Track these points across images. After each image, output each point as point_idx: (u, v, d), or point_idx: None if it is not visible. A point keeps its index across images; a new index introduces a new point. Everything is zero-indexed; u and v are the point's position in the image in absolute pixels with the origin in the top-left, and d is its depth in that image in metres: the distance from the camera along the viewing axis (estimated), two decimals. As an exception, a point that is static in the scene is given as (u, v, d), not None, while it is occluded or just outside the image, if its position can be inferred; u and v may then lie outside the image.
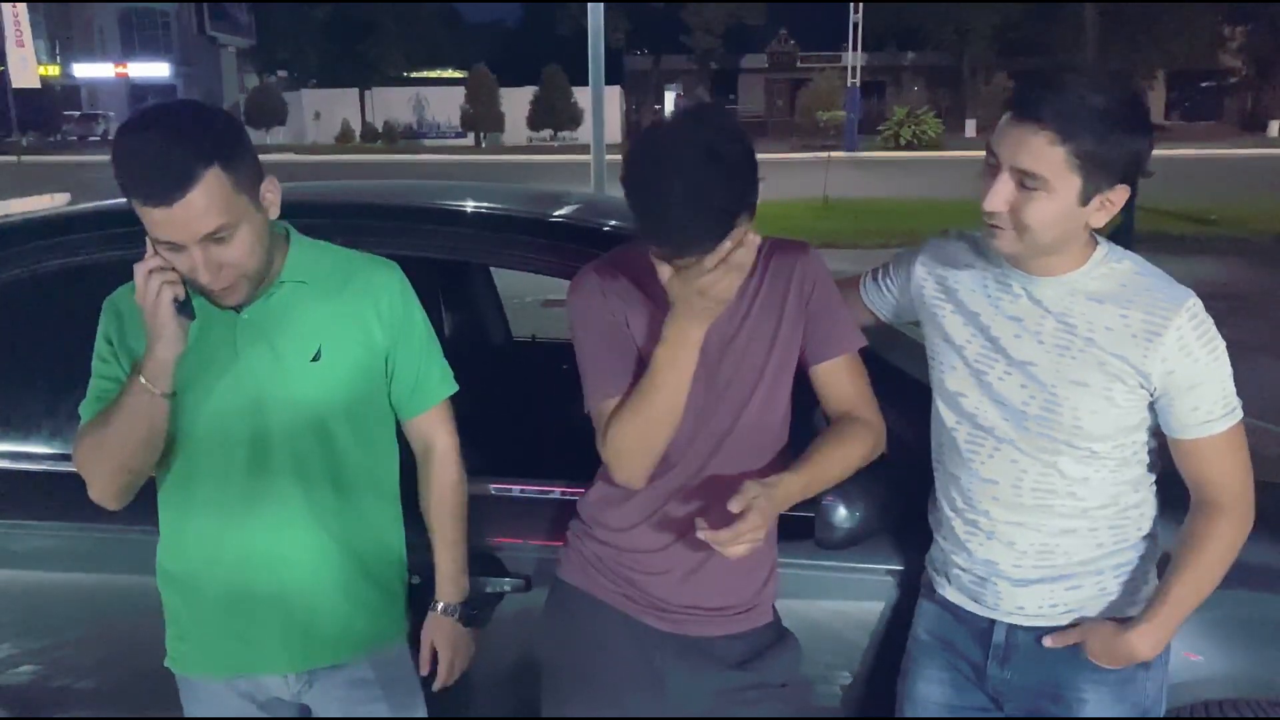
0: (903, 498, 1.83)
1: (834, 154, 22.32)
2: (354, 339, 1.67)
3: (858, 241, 12.65)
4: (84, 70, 51.26)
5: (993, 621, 1.72)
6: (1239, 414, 1.61)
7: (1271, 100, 40.73)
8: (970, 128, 40.53)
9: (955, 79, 47.63)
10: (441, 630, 1.77)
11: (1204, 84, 47.71)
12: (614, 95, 39.89)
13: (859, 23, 31.98)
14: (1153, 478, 1.71)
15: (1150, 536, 1.72)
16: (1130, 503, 1.68)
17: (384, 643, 1.78)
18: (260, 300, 1.62)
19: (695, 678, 1.70)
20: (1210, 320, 1.58)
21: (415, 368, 1.74)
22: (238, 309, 1.61)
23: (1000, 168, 1.54)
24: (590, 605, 1.73)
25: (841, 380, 1.70)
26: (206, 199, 1.44)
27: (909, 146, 32.15)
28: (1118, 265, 1.62)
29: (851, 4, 31.90)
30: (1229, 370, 1.60)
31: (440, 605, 1.78)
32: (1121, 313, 1.58)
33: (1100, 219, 1.56)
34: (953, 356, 1.72)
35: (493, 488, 1.98)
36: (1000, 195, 1.54)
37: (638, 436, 1.59)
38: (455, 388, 1.80)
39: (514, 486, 1.98)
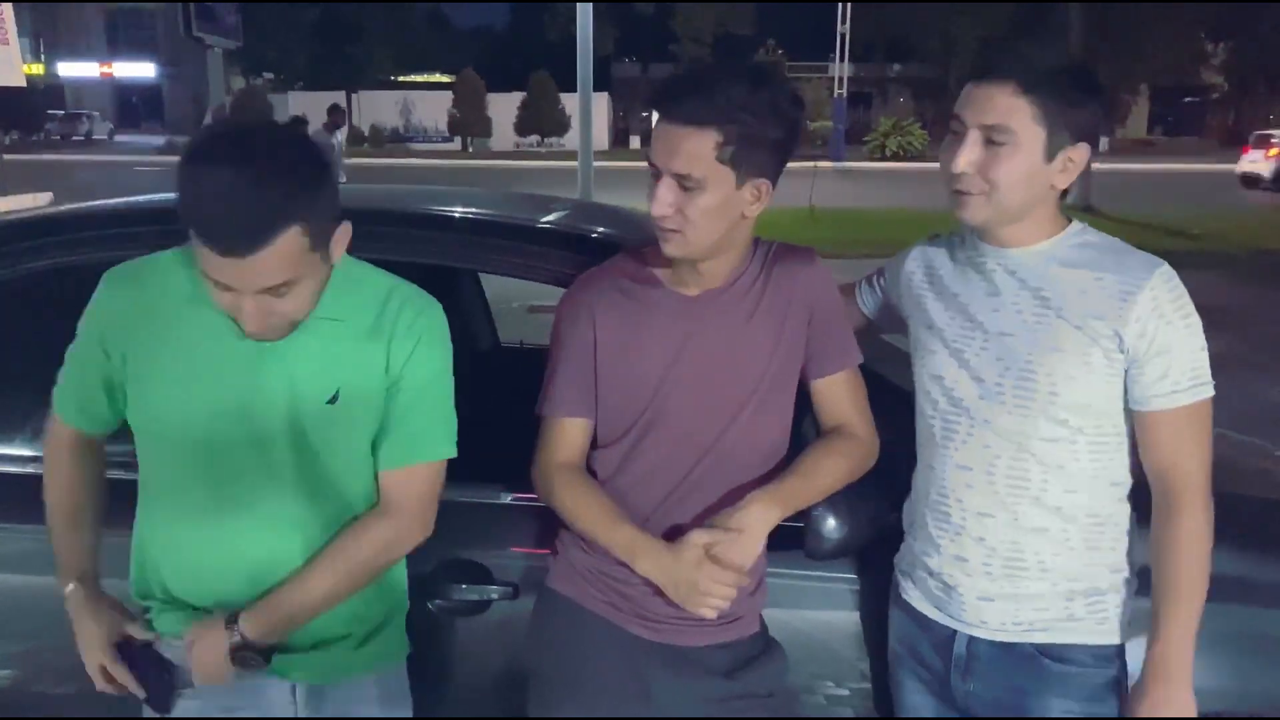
0: (893, 510, 1.84)
1: (820, 164, 22.35)
2: (372, 380, 1.55)
3: (843, 251, 12.67)
4: (68, 69, 50.99)
5: (954, 631, 1.69)
6: (1209, 391, 1.57)
7: (1252, 116, 41.10)
8: (955, 139, 40.73)
9: (941, 90, 47.86)
10: (214, 639, 1.52)
11: (1187, 99, 48.13)
12: (602, 102, 39.86)
13: (846, 33, 32.14)
14: (1128, 492, 1.66)
15: (1126, 568, 1.66)
16: (1106, 513, 1.64)
17: (388, 662, 1.72)
18: (300, 330, 1.49)
19: (681, 687, 1.69)
20: (1185, 291, 1.57)
21: (398, 417, 1.57)
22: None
23: (965, 133, 1.58)
24: (577, 614, 1.72)
25: (839, 395, 1.71)
26: (279, 258, 1.33)
27: (895, 157, 32.34)
28: (1092, 238, 1.64)
29: (839, 15, 32.05)
30: (1202, 344, 1.57)
31: (236, 623, 1.52)
32: (1096, 276, 1.58)
33: (1064, 179, 1.59)
34: (934, 341, 1.72)
35: (481, 495, 1.97)
36: (967, 155, 1.57)
37: (571, 520, 1.69)
38: (447, 453, 1.61)
39: (502, 494, 1.97)
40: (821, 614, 1.91)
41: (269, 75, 49.10)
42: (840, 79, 33.74)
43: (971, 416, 1.65)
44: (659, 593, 1.65)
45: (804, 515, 1.71)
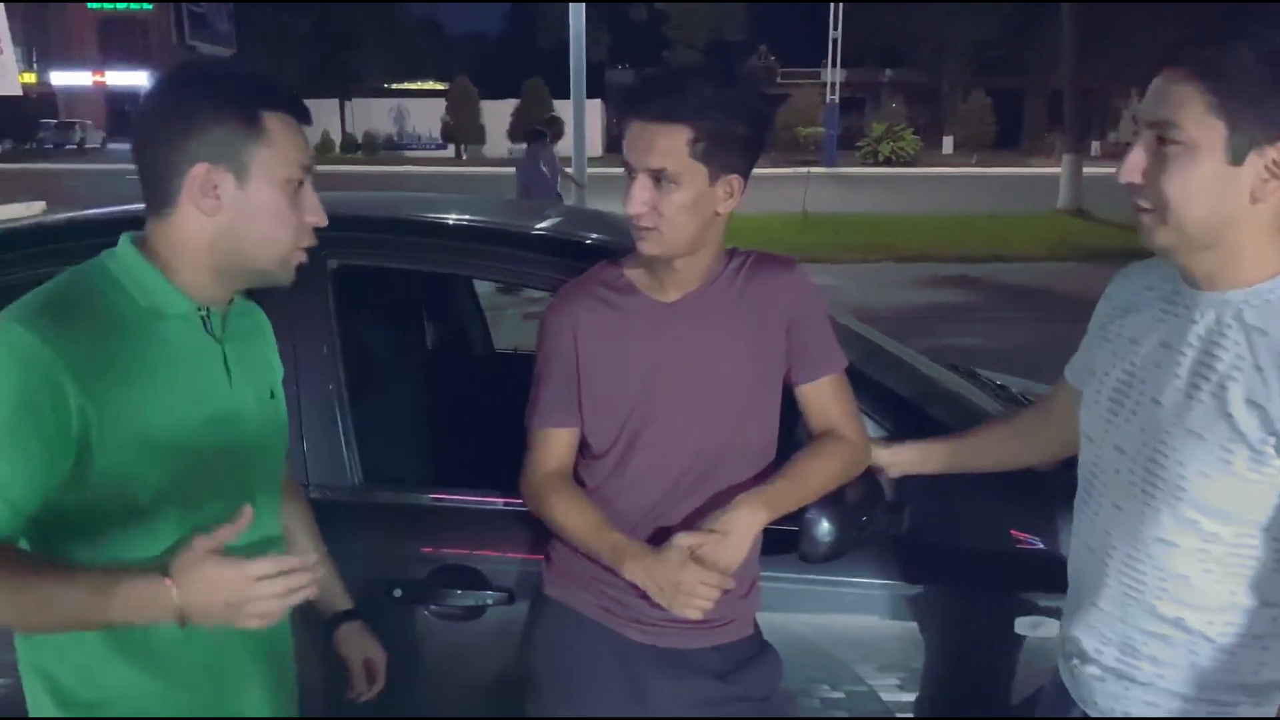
0: (887, 512, 1.85)
1: (813, 169, 22.43)
2: (276, 375, 1.56)
3: (837, 256, 12.73)
4: (61, 78, 50.90)
5: (1073, 702, 1.47)
6: None
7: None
8: (948, 144, 40.89)
9: (933, 96, 48.05)
10: (363, 636, 1.72)
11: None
12: (595, 109, 39.85)
13: (838, 39, 32.24)
14: None
15: (1270, 684, 1.31)
16: (1256, 632, 1.29)
17: None
18: (230, 330, 1.44)
19: (676, 690, 1.70)
20: None
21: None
22: (219, 339, 1.41)
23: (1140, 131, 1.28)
24: (572, 619, 1.73)
25: (825, 401, 1.72)
26: None
27: (887, 162, 32.43)
28: None
29: (831, 20, 32.16)
30: None
31: (346, 611, 1.71)
32: None
33: (1269, 191, 1.20)
34: (1092, 389, 1.45)
35: (476, 500, 1.98)
36: (1132, 162, 1.27)
37: (559, 529, 1.70)
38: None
39: (497, 499, 1.98)
40: (817, 617, 1.92)
41: (262, 83, 49.02)
42: (833, 84, 33.83)
43: (1103, 493, 1.40)
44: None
45: (798, 518, 1.72)
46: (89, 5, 50.63)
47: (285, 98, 1.35)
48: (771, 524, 1.63)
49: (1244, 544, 1.26)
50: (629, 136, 1.57)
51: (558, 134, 11.31)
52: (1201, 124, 1.20)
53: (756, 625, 1.79)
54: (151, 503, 1.31)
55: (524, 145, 10.90)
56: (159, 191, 1.33)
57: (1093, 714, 1.44)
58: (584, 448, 1.74)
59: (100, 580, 1.19)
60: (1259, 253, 1.24)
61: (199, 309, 1.37)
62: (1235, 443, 1.22)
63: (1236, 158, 1.19)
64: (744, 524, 1.59)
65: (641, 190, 1.56)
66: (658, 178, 1.55)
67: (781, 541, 1.75)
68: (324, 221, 1.40)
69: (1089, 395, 1.46)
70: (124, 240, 1.37)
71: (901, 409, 2.01)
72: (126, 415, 1.26)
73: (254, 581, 1.20)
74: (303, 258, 1.41)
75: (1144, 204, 1.27)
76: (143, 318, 1.32)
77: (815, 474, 1.67)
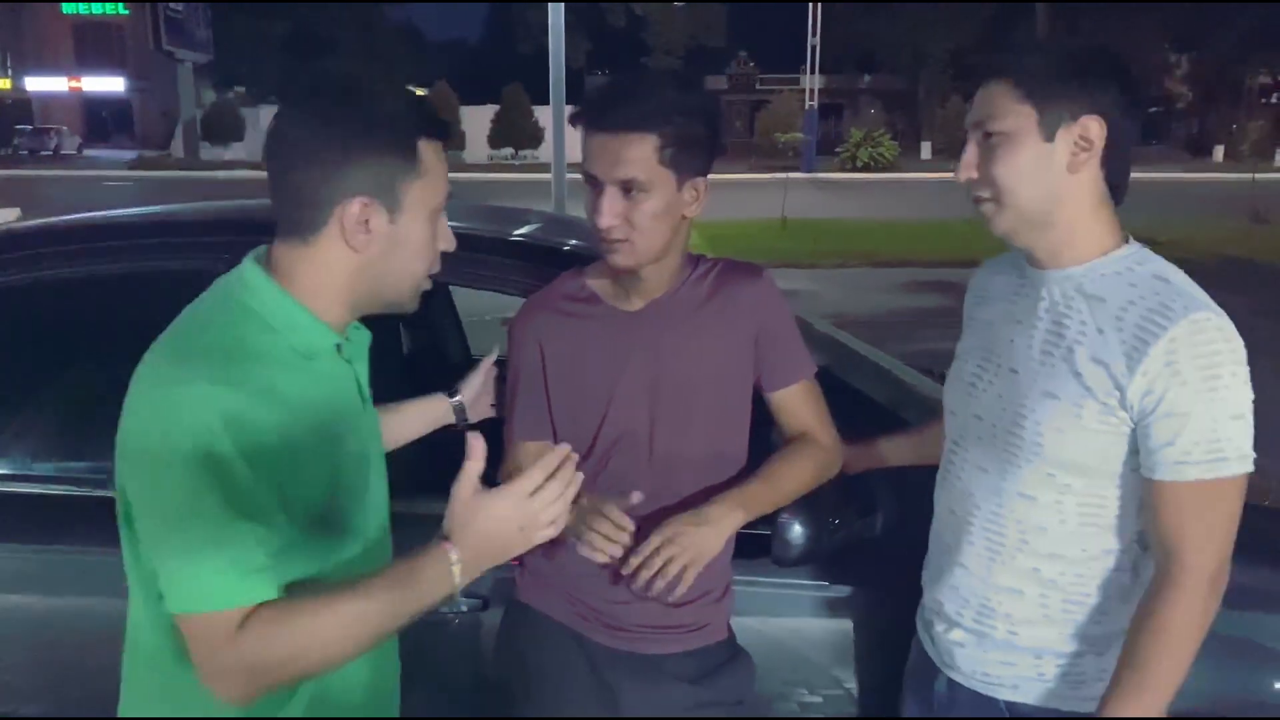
0: (859, 516, 1.85)
1: (792, 175, 22.53)
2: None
3: (816, 262, 12.78)
4: (36, 84, 50.50)
5: (937, 669, 1.61)
6: (1232, 469, 1.31)
7: (1216, 126, 41.78)
8: (926, 150, 41.11)
9: (911, 102, 48.33)
10: None
11: (1152, 109, 48.82)
12: (575, 114, 39.76)
13: (817, 45, 32.38)
14: (1138, 556, 1.44)
15: (1117, 634, 1.43)
16: (1099, 582, 1.44)
17: None
18: (351, 350, 1.37)
19: (649, 695, 1.70)
20: (1224, 344, 1.31)
21: None
22: (350, 362, 1.35)
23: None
24: (544, 625, 1.73)
25: (796, 406, 1.73)
26: None
27: (866, 168, 32.53)
28: (1139, 267, 1.39)
29: (809, 27, 32.31)
30: (1236, 412, 1.31)
31: None
32: (1119, 313, 1.35)
33: (1081, 164, 1.37)
34: (956, 369, 1.61)
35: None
36: (967, 160, 1.44)
37: None
38: None
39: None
40: (794, 621, 1.93)
41: (240, 89, 48.83)
42: (811, 90, 33.98)
43: (965, 457, 1.54)
44: (626, 603, 1.66)
45: (771, 522, 1.72)
46: (63, 10, 50.24)
47: (436, 122, 1.29)
48: (744, 528, 1.63)
49: (1094, 495, 1.41)
50: (593, 149, 1.56)
51: None
52: (1015, 112, 1.38)
53: (730, 630, 1.79)
54: (310, 523, 1.23)
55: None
56: (302, 219, 1.24)
57: (956, 678, 1.56)
58: None
59: (392, 576, 1.18)
60: (1090, 231, 1.41)
61: (335, 339, 1.31)
62: (1085, 398, 1.36)
63: (1049, 135, 1.37)
64: (720, 519, 1.59)
65: (612, 203, 1.55)
66: (628, 188, 1.55)
67: (754, 545, 1.76)
68: (453, 247, 1.35)
69: (952, 374, 1.60)
70: (256, 271, 1.27)
71: (876, 413, 2.02)
72: (305, 457, 1.21)
73: (530, 497, 1.21)
74: (429, 285, 1.36)
75: (982, 194, 1.44)
76: (292, 355, 1.24)
77: (788, 478, 1.68)
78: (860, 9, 37.65)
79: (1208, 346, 1.30)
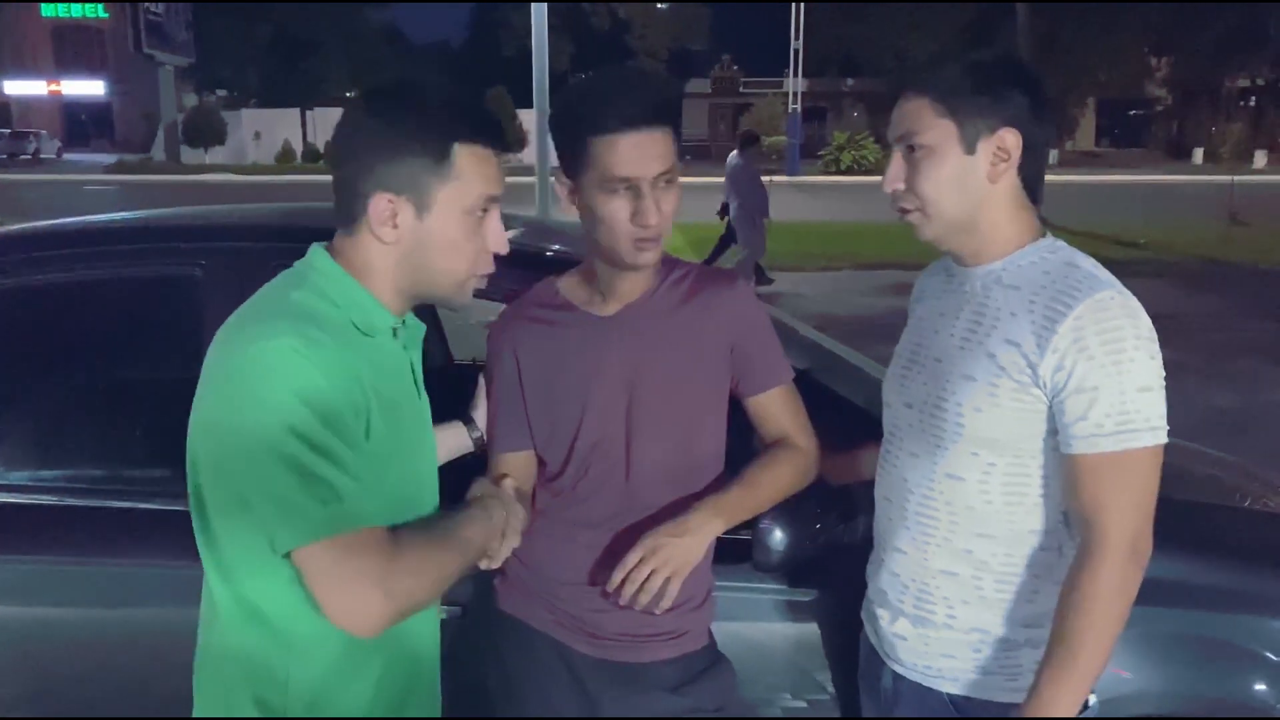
0: (840, 521, 1.85)
1: (776, 178, 22.56)
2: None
3: (800, 264, 12.80)
4: (15, 87, 50.13)
5: (883, 663, 1.64)
6: (1144, 440, 1.37)
7: (1195, 128, 42.12)
8: (909, 153, 41.23)
9: (894, 105, 48.45)
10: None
11: (1132, 112, 49.20)
12: (558, 117, 39.70)
13: (800, 49, 32.48)
14: (1063, 535, 1.50)
15: (1045, 624, 1.47)
16: (1028, 561, 1.49)
17: None
18: (407, 339, 1.46)
19: (630, 704, 1.69)
20: (1127, 320, 1.38)
21: None
22: (406, 349, 1.46)
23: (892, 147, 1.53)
24: (525, 634, 1.72)
25: (774, 412, 1.73)
26: None
27: (849, 171, 32.62)
28: (1051, 256, 1.47)
29: (793, 30, 32.41)
30: (1144, 384, 1.37)
31: None
32: (1031, 297, 1.43)
33: (1000, 173, 1.46)
34: (892, 365, 1.67)
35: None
36: (891, 173, 1.52)
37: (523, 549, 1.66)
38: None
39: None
40: (777, 626, 1.92)
41: (222, 92, 48.61)
42: (795, 94, 34.09)
43: (900, 446, 1.60)
44: (605, 611, 1.66)
45: (751, 527, 1.72)
46: (42, 13, 49.89)
47: (481, 129, 1.36)
48: (725, 533, 1.63)
49: (1018, 473, 1.47)
50: (628, 147, 1.51)
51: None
52: (936, 127, 1.46)
53: (711, 636, 1.78)
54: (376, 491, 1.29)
55: (734, 152, 10.62)
56: (346, 210, 1.35)
57: (899, 670, 1.59)
58: (541, 466, 1.74)
59: (474, 512, 1.45)
60: (1008, 229, 1.50)
61: (394, 322, 1.40)
62: (999, 377, 1.43)
63: (970, 148, 1.45)
64: (700, 527, 1.59)
65: (665, 201, 1.56)
66: (668, 182, 1.56)
67: (735, 551, 1.75)
68: (505, 249, 1.41)
69: (889, 370, 1.67)
70: (323, 255, 1.37)
71: (859, 416, 2.02)
72: (371, 420, 1.30)
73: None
74: (481, 283, 1.42)
75: (907, 206, 1.51)
76: (352, 330, 1.33)
77: (768, 483, 1.68)
78: (843, 12, 37.79)
79: (1111, 323, 1.37)
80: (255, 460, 1.19)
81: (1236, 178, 18.63)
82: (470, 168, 1.34)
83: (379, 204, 1.31)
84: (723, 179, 10.62)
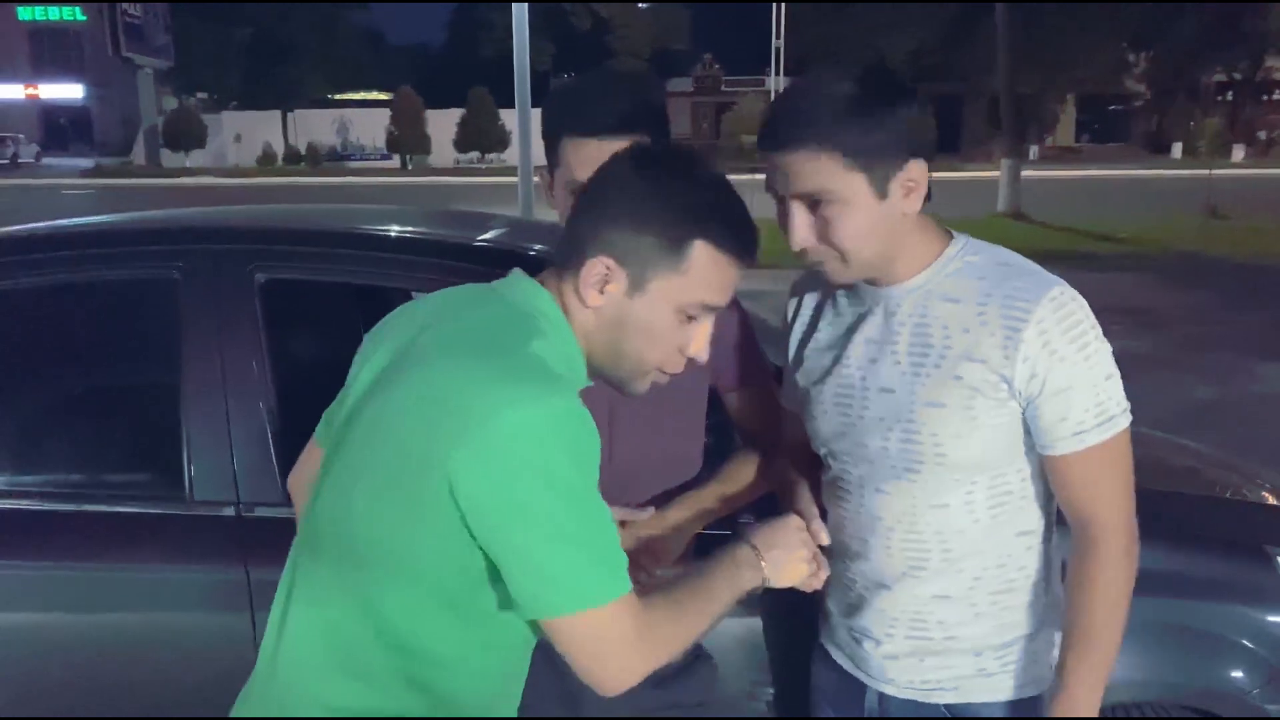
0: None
1: (758, 176, 22.55)
2: None
3: (778, 262, 12.78)
4: (-9, 91, 49.67)
5: (865, 686, 1.57)
6: (1121, 424, 1.38)
7: (1174, 123, 42.39)
8: (891, 150, 41.38)
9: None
10: None
11: (1111, 107, 49.45)
12: (539, 118, 39.62)
13: (781, 48, 32.58)
14: (1041, 537, 1.50)
15: (1045, 607, 1.50)
16: (1018, 564, 1.48)
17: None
18: None
19: (608, 700, 1.68)
20: (1082, 312, 1.37)
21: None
22: None
23: (786, 201, 1.40)
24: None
25: (752, 408, 1.74)
26: None
27: (831, 168, 32.74)
28: (973, 258, 1.42)
29: (773, 29, 32.51)
30: (1108, 372, 1.38)
31: None
32: (979, 309, 1.37)
33: (913, 202, 1.38)
34: (812, 408, 1.55)
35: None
36: (800, 233, 1.40)
37: None
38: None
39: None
40: (759, 621, 1.93)
41: (202, 95, 48.32)
42: (776, 92, 34.20)
43: (862, 487, 1.49)
44: None
45: (732, 524, 1.73)
46: (19, 16, 49.48)
47: (729, 235, 1.26)
48: (705, 530, 1.64)
49: (998, 485, 1.44)
50: (597, 154, 1.44)
51: None
52: (845, 180, 1.34)
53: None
54: None
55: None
56: (568, 253, 1.28)
57: (889, 691, 1.53)
58: None
59: (725, 566, 1.33)
60: (923, 244, 1.43)
61: (587, 382, 1.33)
62: (973, 398, 1.38)
63: (881, 192, 1.36)
64: (681, 520, 1.60)
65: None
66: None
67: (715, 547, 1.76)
68: (704, 359, 1.34)
69: (811, 413, 1.55)
70: (550, 303, 1.28)
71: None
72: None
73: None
74: (662, 379, 1.35)
75: (821, 259, 1.41)
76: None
77: (747, 480, 1.68)
78: (824, 11, 37.87)
79: (1071, 319, 1.36)
80: (522, 528, 1.13)
81: (1215, 172, 18.78)
82: (702, 269, 1.25)
83: (596, 265, 1.24)
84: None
